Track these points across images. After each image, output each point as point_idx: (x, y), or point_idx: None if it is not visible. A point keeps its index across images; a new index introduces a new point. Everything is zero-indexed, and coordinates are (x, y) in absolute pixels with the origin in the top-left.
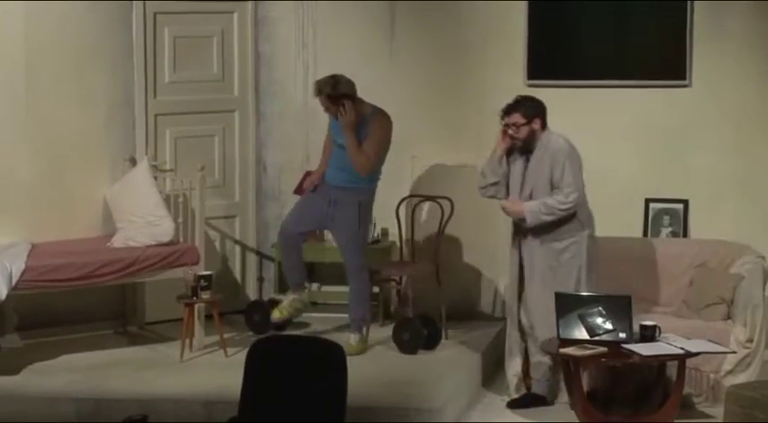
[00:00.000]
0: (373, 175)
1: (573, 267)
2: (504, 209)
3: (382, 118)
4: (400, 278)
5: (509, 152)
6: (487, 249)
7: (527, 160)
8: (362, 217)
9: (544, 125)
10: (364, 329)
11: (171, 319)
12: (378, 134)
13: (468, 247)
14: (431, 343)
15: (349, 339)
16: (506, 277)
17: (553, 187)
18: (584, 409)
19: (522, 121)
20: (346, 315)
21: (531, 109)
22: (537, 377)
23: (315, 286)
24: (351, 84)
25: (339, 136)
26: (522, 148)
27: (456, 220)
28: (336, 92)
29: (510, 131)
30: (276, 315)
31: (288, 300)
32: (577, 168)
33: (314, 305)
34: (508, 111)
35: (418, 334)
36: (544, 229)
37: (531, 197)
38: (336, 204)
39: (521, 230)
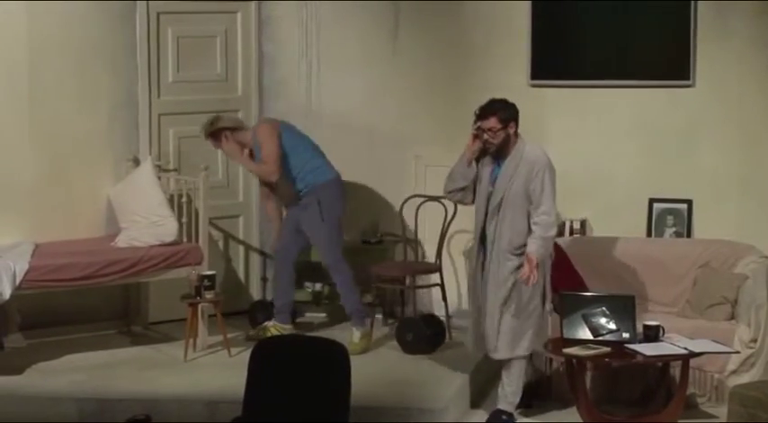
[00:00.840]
0: (315, 172)
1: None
2: (530, 278)
3: (260, 127)
4: (404, 278)
5: (479, 156)
6: None
7: (498, 166)
8: (324, 212)
9: (516, 131)
10: (367, 322)
11: (174, 319)
12: (262, 139)
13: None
14: (434, 343)
15: (351, 336)
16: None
17: (529, 198)
18: (587, 409)
19: (499, 126)
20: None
21: (507, 113)
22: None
23: (318, 286)
24: (230, 118)
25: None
26: (494, 152)
27: (459, 219)
28: (214, 128)
29: (486, 136)
30: (251, 333)
31: (272, 324)
32: (553, 183)
33: (317, 305)
34: (483, 114)
35: (422, 334)
36: (503, 245)
37: (500, 205)
38: (303, 209)
39: (484, 241)
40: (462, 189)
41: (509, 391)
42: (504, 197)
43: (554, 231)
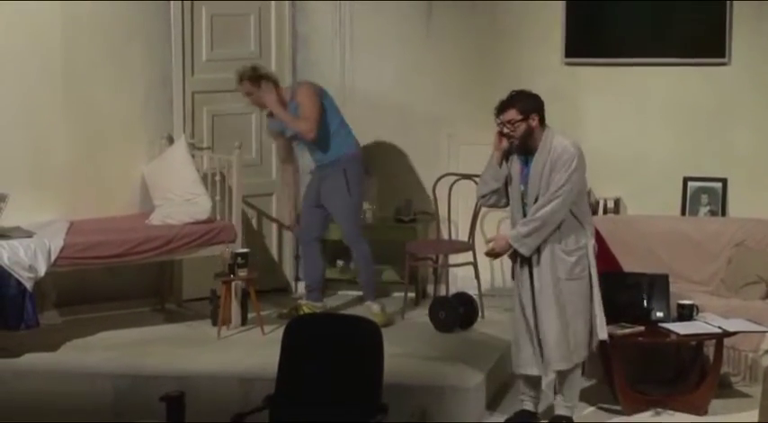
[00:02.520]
0: (342, 143)
1: (584, 282)
2: (491, 252)
3: (303, 86)
4: (437, 257)
5: (507, 155)
6: None
7: (526, 163)
8: (350, 183)
9: (542, 122)
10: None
11: (208, 296)
12: (305, 99)
13: (505, 225)
14: (467, 321)
15: (371, 309)
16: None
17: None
18: (621, 388)
19: (519, 117)
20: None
21: (528, 104)
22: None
23: (351, 264)
24: (272, 72)
25: (282, 127)
26: (519, 148)
27: None
28: (257, 73)
29: (505, 130)
30: (284, 312)
31: (304, 303)
32: (578, 172)
33: (349, 282)
34: (502, 108)
35: (455, 312)
36: (555, 236)
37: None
38: (324, 179)
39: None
40: (495, 191)
41: (568, 397)
42: (541, 195)
43: (542, 216)
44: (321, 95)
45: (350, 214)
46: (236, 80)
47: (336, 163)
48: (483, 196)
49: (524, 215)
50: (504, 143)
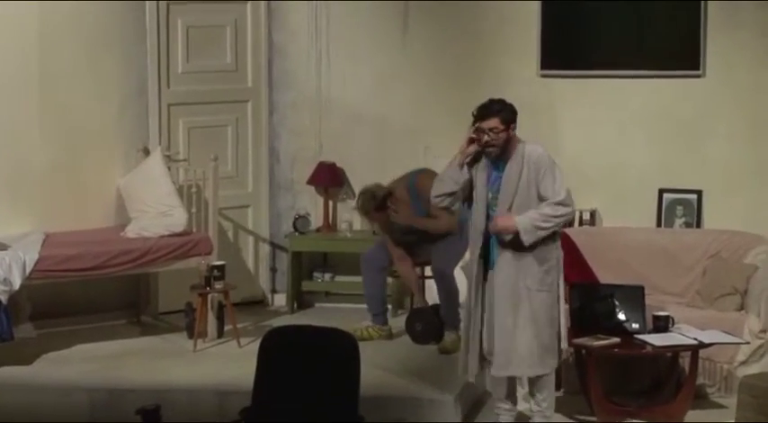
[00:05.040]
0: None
1: (554, 293)
2: (494, 226)
3: (419, 177)
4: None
5: (473, 161)
6: None
7: (497, 169)
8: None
9: (515, 132)
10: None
11: (184, 309)
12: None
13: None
14: (444, 333)
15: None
16: None
17: (541, 200)
18: (597, 399)
19: (501, 126)
20: (358, 305)
21: (508, 114)
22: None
23: (327, 276)
24: (379, 185)
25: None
26: (496, 156)
27: None
28: (377, 201)
29: (486, 137)
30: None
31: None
32: (562, 178)
33: (327, 295)
34: (485, 115)
35: (431, 324)
36: (526, 247)
37: (510, 212)
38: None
39: (495, 244)
40: (451, 194)
41: (545, 406)
42: (515, 203)
43: (561, 214)
44: None
45: (452, 252)
46: (360, 214)
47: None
48: (438, 196)
49: (488, 219)
50: (472, 148)
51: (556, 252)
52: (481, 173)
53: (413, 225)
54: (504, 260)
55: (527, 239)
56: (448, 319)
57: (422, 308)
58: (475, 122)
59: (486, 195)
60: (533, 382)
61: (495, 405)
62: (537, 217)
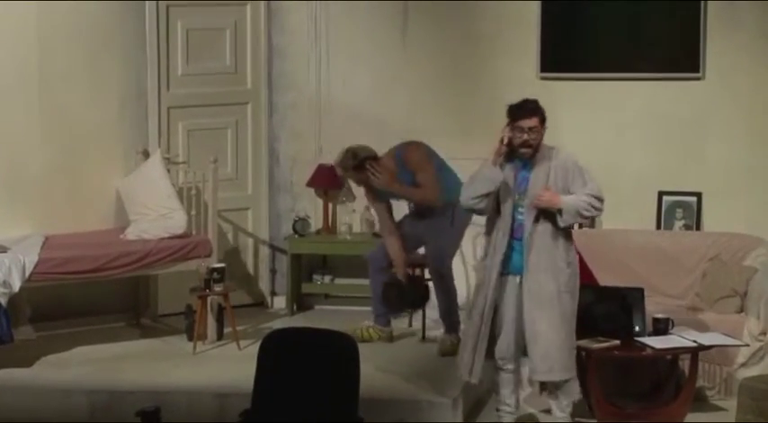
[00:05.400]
0: (450, 190)
1: (576, 295)
2: (539, 198)
3: (409, 151)
4: (413, 270)
5: (504, 160)
6: None
7: (525, 170)
8: (456, 218)
9: None
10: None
11: (183, 311)
12: (421, 165)
13: (481, 239)
14: (418, 302)
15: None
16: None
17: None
18: (597, 401)
19: (540, 125)
20: (358, 308)
21: (543, 114)
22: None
23: (327, 279)
24: (366, 147)
25: (390, 196)
26: (527, 157)
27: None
28: (358, 160)
29: (525, 136)
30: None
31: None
32: (592, 177)
33: (327, 297)
34: (527, 113)
35: (406, 293)
36: (554, 246)
37: (540, 215)
38: (429, 218)
39: (524, 246)
40: (488, 195)
41: (566, 405)
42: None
43: (598, 205)
44: (431, 155)
45: (447, 247)
46: (338, 172)
47: (444, 207)
48: (476, 197)
49: (514, 220)
50: (504, 148)
51: (573, 252)
52: (508, 173)
53: (393, 192)
54: (535, 262)
55: (566, 220)
56: (447, 321)
57: (394, 281)
58: (513, 121)
59: (513, 196)
60: (559, 386)
61: (498, 406)
62: (581, 203)
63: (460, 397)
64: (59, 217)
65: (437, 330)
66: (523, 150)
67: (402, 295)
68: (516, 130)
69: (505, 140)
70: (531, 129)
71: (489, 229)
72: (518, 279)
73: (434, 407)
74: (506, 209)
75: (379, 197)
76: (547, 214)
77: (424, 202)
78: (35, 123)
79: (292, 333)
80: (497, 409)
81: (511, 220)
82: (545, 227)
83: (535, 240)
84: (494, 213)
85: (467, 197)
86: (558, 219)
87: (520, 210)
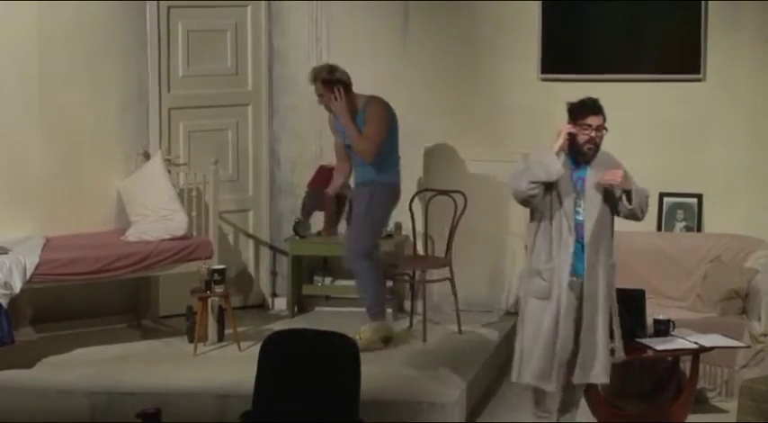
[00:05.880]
0: (387, 171)
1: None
2: (613, 175)
3: (378, 103)
4: (414, 273)
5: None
6: (500, 243)
7: (576, 170)
8: (373, 205)
9: None
10: (379, 317)
11: (184, 313)
12: (376, 118)
13: (481, 241)
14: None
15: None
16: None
17: (614, 203)
18: (598, 402)
19: (605, 125)
20: (358, 309)
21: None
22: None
23: (328, 280)
24: (346, 73)
25: (343, 131)
26: (583, 155)
27: (469, 213)
28: (332, 76)
29: (593, 134)
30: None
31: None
32: None
33: (327, 299)
34: (595, 111)
35: (315, 200)
36: (607, 245)
37: (597, 219)
38: (356, 199)
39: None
40: (545, 183)
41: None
42: (602, 211)
43: (644, 211)
44: (391, 119)
45: (360, 234)
46: (310, 78)
47: (371, 184)
48: (534, 183)
49: (568, 222)
50: (565, 142)
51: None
52: (564, 170)
53: (342, 122)
54: (593, 263)
55: (632, 205)
56: (370, 307)
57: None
58: (579, 118)
59: (571, 196)
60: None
61: (537, 413)
62: (645, 193)
63: (461, 398)
64: (60, 218)
65: (438, 331)
66: (588, 147)
67: (313, 201)
68: (582, 128)
69: (564, 134)
70: (597, 127)
71: (539, 229)
72: (576, 279)
73: (435, 408)
74: (568, 206)
75: (337, 130)
76: (603, 213)
77: (358, 149)
78: (36, 124)
79: (293, 334)
80: (539, 415)
81: (572, 220)
82: (600, 226)
83: (594, 240)
84: (544, 214)
85: (524, 181)
86: (622, 204)
87: (578, 209)
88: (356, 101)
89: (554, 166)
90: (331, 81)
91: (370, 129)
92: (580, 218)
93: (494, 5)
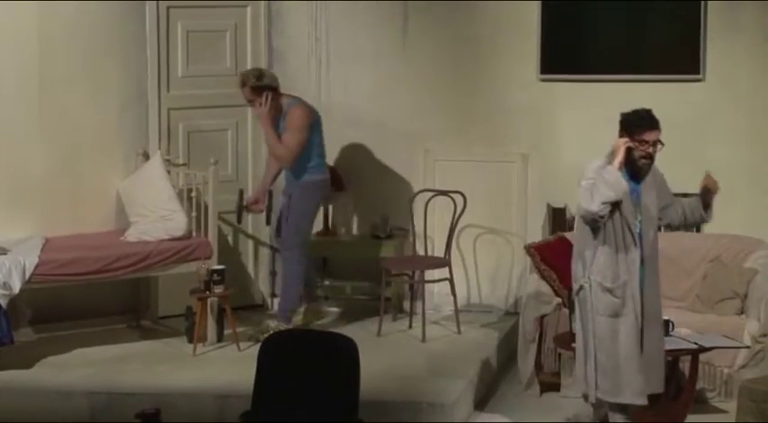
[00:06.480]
0: (314, 170)
1: None
2: (716, 184)
3: (298, 108)
4: (413, 273)
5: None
6: (500, 243)
7: (631, 182)
8: (300, 201)
9: None
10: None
11: (183, 313)
12: (293, 125)
13: (481, 241)
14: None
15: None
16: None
17: (661, 212)
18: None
19: (660, 139)
20: (359, 309)
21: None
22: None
23: (326, 281)
24: (274, 77)
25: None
26: (639, 168)
27: (468, 214)
28: (261, 82)
29: (651, 149)
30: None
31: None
32: None
33: (326, 299)
34: (652, 125)
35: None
36: (658, 257)
37: (654, 232)
38: (285, 194)
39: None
40: (616, 202)
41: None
42: (655, 220)
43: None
44: (311, 123)
45: (290, 231)
46: (238, 83)
47: (300, 182)
48: (605, 203)
49: (633, 237)
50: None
51: None
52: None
53: (262, 127)
54: (650, 275)
55: (709, 216)
56: (280, 305)
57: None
58: (636, 132)
59: (631, 211)
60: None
61: (614, 418)
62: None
63: (460, 399)
64: (60, 218)
65: (438, 331)
66: (645, 162)
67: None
68: (642, 143)
69: (623, 149)
70: (655, 143)
71: (601, 245)
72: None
73: (434, 408)
74: (631, 220)
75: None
76: (652, 230)
77: (275, 155)
78: (35, 125)
79: (292, 334)
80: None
81: (629, 234)
82: (654, 237)
83: (652, 252)
84: (607, 230)
85: (596, 203)
86: (706, 214)
87: (636, 223)
88: (282, 101)
89: (620, 183)
90: (260, 87)
91: (287, 137)
92: (638, 231)
93: (493, 5)
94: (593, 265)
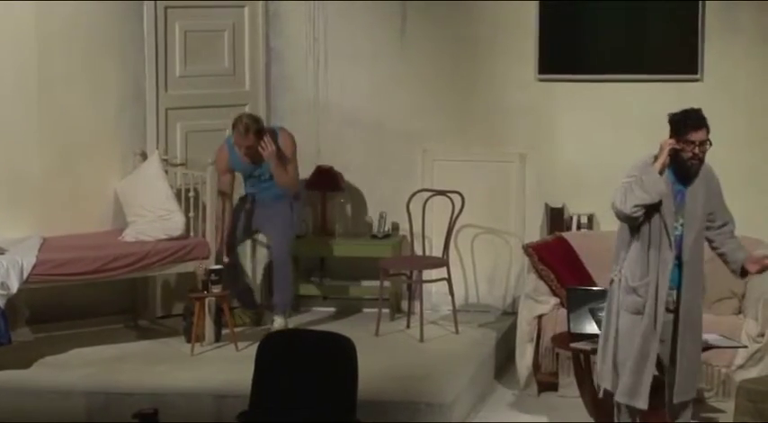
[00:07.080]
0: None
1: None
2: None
3: (286, 136)
4: (411, 273)
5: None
6: (498, 243)
7: (677, 184)
8: (295, 213)
9: None
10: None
11: (181, 313)
12: (290, 151)
13: (479, 241)
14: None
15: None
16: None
17: (709, 220)
18: (594, 403)
19: (708, 138)
20: (358, 309)
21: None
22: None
23: (324, 280)
24: (260, 119)
25: (253, 169)
26: (695, 172)
27: (466, 214)
28: (259, 126)
29: (697, 150)
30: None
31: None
32: None
33: (324, 299)
34: (699, 124)
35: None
36: (701, 261)
37: (696, 235)
38: (266, 208)
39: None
40: (648, 205)
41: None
42: (699, 229)
43: None
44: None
45: (288, 239)
46: (240, 130)
47: (287, 198)
48: (638, 206)
49: (669, 238)
50: (668, 159)
51: None
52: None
53: (271, 166)
54: (690, 279)
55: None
56: (280, 303)
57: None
58: (684, 132)
59: (671, 213)
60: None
61: (621, 417)
62: None
63: (459, 398)
64: (57, 218)
65: (435, 331)
66: (693, 163)
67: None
68: (685, 144)
69: (667, 150)
70: (702, 142)
71: (635, 244)
72: (670, 297)
73: (433, 408)
74: (669, 222)
75: (235, 168)
76: (702, 230)
77: (285, 186)
78: (33, 125)
79: (290, 334)
80: None
81: (666, 237)
82: (697, 241)
83: (692, 256)
84: (642, 229)
85: (629, 205)
86: (738, 274)
87: (676, 225)
88: (271, 139)
89: (657, 187)
90: (259, 130)
91: (292, 166)
92: (677, 233)
93: (491, 5)
94: (625, 261)
